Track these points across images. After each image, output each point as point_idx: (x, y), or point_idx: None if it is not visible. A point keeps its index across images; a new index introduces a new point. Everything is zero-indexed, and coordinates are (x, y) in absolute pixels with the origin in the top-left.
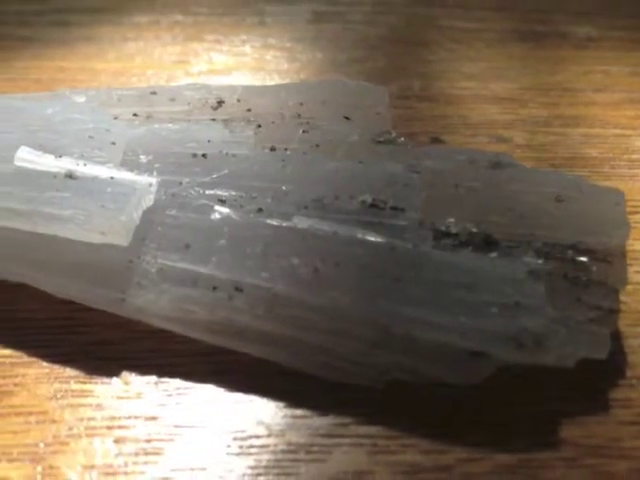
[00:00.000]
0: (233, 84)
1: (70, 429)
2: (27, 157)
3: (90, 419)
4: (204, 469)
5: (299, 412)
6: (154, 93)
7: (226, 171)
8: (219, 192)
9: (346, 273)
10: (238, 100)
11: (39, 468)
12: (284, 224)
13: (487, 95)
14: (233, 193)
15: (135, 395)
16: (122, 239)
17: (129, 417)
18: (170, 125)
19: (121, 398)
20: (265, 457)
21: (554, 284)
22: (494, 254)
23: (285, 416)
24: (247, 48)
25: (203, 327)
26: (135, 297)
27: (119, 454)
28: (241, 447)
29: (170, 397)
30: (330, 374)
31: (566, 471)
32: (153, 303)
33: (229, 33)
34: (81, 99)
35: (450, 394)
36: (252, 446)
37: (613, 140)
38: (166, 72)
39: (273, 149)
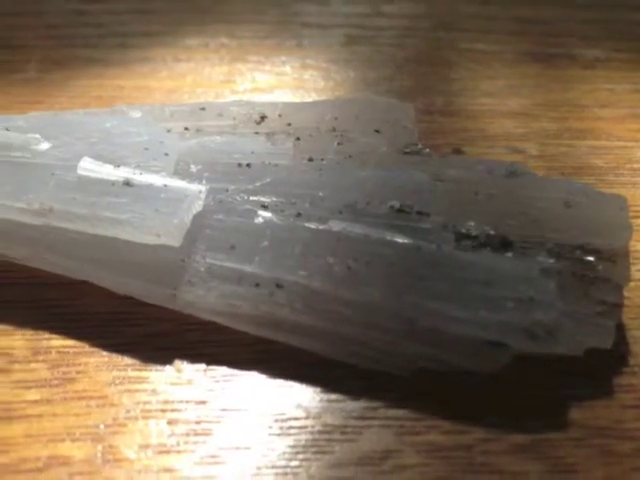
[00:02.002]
0: (275, 101)
1: (127, 412)
2: (89, 167)
3: (145, 403)
4: (248, 448)
5: (334, 397)
6: (203, 109)
7: (268, 179)
8: (262, 198)
9: (376, 271)
10: (279, 115)
11: (99, 447)
12: (320, 227)
13: (503, 110)
14: (274, 199)
15: (186, 381)
16: (174, 240)
17: (181, 401)
18: (218, 138)
19: (174, 384)
20: (303, 437)
21: (564, 281)
22: (510, 254)
23: (321, 400)
24: (287, 68)
25: (247, 320)
26: (186, 293)
27: (172, 434)
28: (282, 428)
29: (217, 383)
30: (362, 363)
31: (574, 450)
32: (202, 298)
33: (271, 55)
34: (137, 114)
35: (471, 380)
36: (291, 427)
37: (617, 151)
38: (214, 90)
39: (311, 160)
